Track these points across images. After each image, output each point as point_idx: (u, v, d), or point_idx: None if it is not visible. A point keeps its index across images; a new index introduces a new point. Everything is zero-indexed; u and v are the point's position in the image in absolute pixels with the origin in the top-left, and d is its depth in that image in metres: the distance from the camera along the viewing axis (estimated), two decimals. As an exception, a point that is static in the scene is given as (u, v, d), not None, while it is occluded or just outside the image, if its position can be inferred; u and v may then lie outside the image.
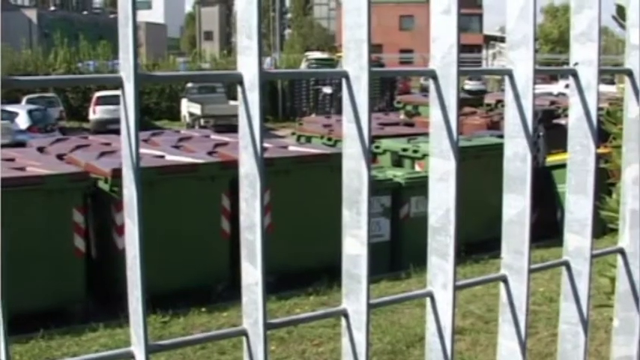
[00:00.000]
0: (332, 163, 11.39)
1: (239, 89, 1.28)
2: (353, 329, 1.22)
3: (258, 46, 1.22)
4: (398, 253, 11.67)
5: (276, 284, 10.91)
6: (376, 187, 11.78)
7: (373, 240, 10.12)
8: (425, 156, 13.15)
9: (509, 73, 1.45)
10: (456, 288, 1.33)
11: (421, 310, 9.25)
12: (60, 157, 11.88)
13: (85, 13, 74.11)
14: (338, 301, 1.26)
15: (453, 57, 1.32)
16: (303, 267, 10.90)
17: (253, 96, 1.23)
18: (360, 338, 1.21)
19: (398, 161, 13.29)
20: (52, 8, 70.38)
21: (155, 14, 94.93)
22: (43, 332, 8.95)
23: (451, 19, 1.30)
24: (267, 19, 77.25)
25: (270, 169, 10.95)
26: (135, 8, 1.14)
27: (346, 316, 1.24)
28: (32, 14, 62.71)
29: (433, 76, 1.32)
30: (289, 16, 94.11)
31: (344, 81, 1.26)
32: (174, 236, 10.20)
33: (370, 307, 1.21)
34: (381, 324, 8.78)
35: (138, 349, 1.22)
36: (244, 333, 1.32)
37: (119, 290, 10.25)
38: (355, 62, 1.23)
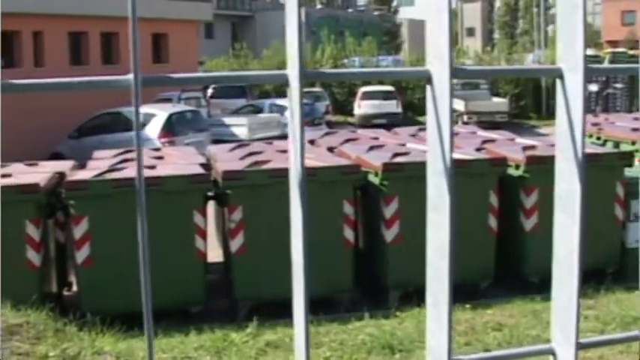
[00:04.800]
0: (603, 163, 10.98)
1: (558, 83, 1.21)
2: None
3: (583, 40, 1.15)
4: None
5: (541, 284, 10.71)
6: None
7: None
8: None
9: None
10: None
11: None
12: (330, 149, 12.21)
13: (350, 10, 75.78)
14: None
15: None
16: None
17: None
18: None
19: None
20: (319, 7, 72.55)
21: (418, 11, 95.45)
22: (311, 318, 9.22)
23: None
24: (529, 15, 75.69)
25: (540, 168, 10.74)
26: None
27: None
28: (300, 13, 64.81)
29: None
30: (552, 11, 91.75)
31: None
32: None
33: None
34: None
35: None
36: (551, 352, 1.26)
37: (385, 282, 10.48)
38: None
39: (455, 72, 1.11)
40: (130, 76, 1.04)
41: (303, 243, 1.11)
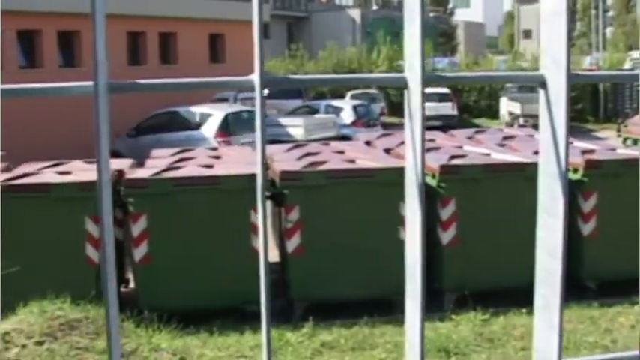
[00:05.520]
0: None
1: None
2: None
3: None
4: None
5: (598, 290, 10.58)
6: None
7: None
8: None
9: None
10: None
11: None
12: (387, 151, 12.20)
13: (406, 12, 75.45)
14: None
15: None
16: (625, 274, 10.49)
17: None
18: None
19: None
20: (375, 8, 72.50)
21: (474, 13, 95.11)
22: (366, 319, 9.24)
23: None
24: (587, 18, 74.86)
25: (599, 172, 10.64)
26: None
27: None
28: (356, 14, 64.90)
29: None
30: (611, 13, 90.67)
31: None
32: (496, 233, 10.17)
33: None
34: None
35: None
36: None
37: (440, 284, 10.44)
38: None
39: (571, 77, 1.11)
40: (253, 77, 1.06)
41: (420, 245, 1.12)
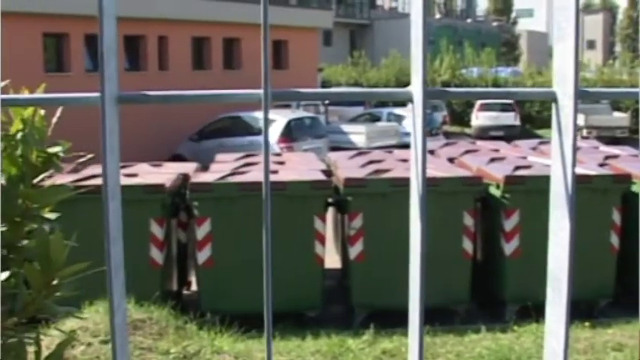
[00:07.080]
0: None
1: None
2: None
3: None
4: None
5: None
6: None
7: None
8: None
9: None
10: None
11: None
12: (450, 160, 12.17)
13: (469, 21, 75.22)
14: None
15: None
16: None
17: None
18: None
19: None
20: (438, 16, 72.24)
21: (537, 22, 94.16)
22: (427, 329, 9.21)
23: None
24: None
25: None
26: None
27: None
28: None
29: None
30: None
31: None
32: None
33: None
34: None
35: None
36: None
37: (502, 295, 10.39)
38: None
39: None
40: (411, 89, 1.08)
41: (569, 255, 1.14)
